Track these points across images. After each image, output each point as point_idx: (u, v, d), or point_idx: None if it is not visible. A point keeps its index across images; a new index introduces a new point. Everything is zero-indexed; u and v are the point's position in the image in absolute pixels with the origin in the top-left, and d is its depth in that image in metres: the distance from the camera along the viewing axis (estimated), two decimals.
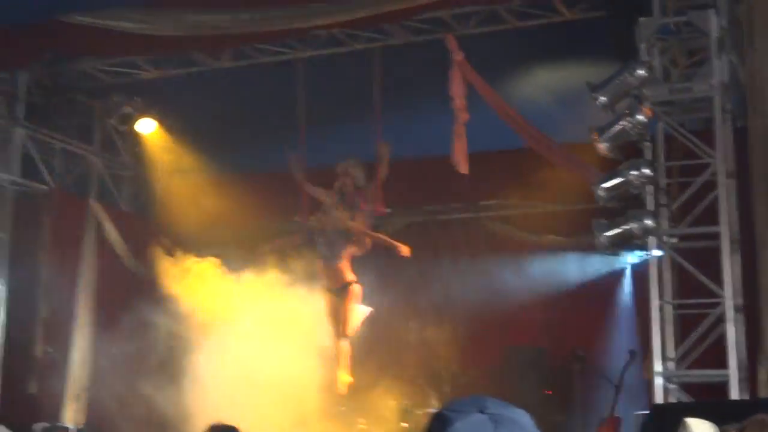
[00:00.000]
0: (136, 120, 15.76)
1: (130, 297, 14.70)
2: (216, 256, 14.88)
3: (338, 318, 13.65)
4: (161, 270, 14.92)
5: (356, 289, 13.56)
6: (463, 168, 12.45)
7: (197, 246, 15.51)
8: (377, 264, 14.84)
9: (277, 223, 15.93)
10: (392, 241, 13.50)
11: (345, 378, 13.58)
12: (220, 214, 15.74)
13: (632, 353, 13.19)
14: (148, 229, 16.13)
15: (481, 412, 1.86)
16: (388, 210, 14.24)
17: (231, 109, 14.58)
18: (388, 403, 14.06)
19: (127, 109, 15.61)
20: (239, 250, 14.93)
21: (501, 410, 1.87)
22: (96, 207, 15.86)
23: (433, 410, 12.65)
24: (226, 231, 16.21)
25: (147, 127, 15.90)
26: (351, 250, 13.62)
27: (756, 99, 11.37)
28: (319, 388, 13.75)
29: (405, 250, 13.26)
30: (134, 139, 16.44)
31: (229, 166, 15.73)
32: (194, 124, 15.33)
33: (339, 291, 13.60)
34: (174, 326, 14.36)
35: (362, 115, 13.69)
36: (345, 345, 13.62)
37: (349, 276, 13.61)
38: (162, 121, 15.87)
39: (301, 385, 13.54)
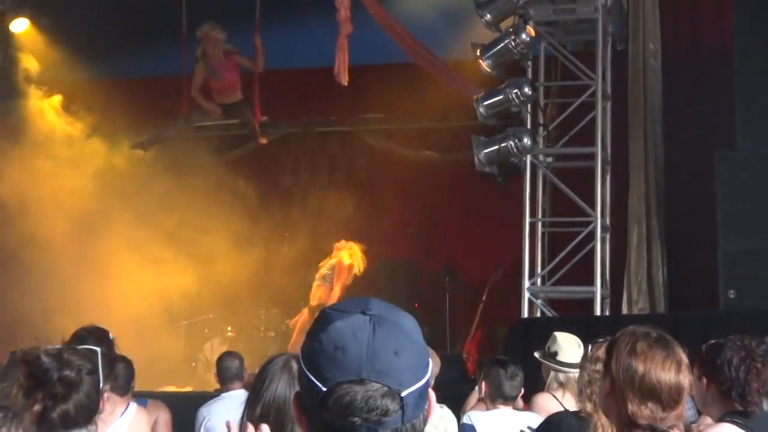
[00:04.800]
0: (9, 18, 15.25)
1: None
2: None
3: None
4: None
5: None
6: (344, 80, 12.44)
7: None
8: (253, 172, 14.83)
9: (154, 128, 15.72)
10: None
11: None
12: (94, 117, 15.42)
13: (497, 268, 13.48)
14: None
15: (363, 313, 1.92)
16: (264, 117, 14.23)
17: (108, 10, 14.20)
18: (257, 312, 14.10)
19: None
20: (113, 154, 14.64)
21: (384, 312, 1.93)
22: None
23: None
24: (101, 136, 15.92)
25: (20, 26, 15.40)
26: None
27: (637, 23, 11.65)
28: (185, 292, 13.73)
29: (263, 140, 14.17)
30: (6, 38, 15.92)
31: (105, 70, 15.37)
32: (69, 25, 14.89)
33: None
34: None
35: (247, 22, 13.52)
36: None
37: None
38: (35, 21, 15.39)
39: (166, 287, 13.49)
